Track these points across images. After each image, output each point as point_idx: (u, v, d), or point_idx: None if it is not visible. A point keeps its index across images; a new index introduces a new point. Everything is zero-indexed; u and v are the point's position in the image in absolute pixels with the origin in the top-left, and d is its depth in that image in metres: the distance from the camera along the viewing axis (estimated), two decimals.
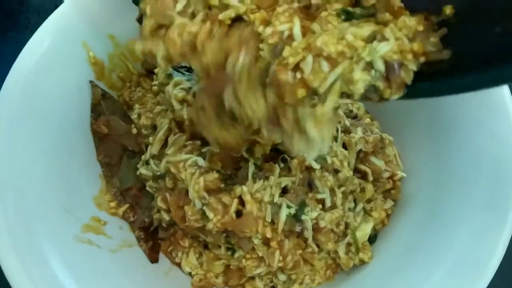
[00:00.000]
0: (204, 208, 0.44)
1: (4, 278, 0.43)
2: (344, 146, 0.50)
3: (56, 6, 0.51)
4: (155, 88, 0.53)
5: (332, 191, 0.47)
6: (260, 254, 0.46)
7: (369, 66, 0.27)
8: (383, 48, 0.27)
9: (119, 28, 0.53)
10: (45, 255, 0.44)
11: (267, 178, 0.45)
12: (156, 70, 0.52)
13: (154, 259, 0.50)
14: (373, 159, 0.51)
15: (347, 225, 0.49)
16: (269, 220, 0.44)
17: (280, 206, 0.45)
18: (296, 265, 0.48)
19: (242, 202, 0.44)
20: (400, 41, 0.27)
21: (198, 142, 0.45)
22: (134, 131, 0.50)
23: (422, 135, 0.52)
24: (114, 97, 0.54)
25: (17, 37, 0.55)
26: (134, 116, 0.51)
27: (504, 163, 0.45)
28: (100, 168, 0.53)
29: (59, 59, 0.50)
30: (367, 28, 0.27)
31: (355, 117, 0.55)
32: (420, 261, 0.46)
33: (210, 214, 0.44)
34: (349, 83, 0.27)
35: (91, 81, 0.52)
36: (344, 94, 0.28)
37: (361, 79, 0.27)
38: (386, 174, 0.51)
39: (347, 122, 0.52)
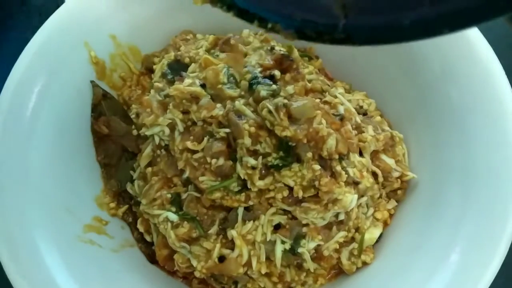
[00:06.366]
0: (189, 256, 0.45)
1: (5, 278, 0.43)
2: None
3: (58, 6, 0.51)
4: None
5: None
6: (262, 285, 0.47)
7: None
8: None
9: (120, 28, 0.53)
10: (46, 255, 0.44)
11: (257, 218, 0.45)
12: (154, 67, 0.52)
13: (153, 260, 0.50)
14: (383, 157, 0.50)
15: (357, 229, 0.48)
16: (263, 259, 0.44)
17: (274, 243, 0.45)
18: (303, 284, 0.48)
19: (231, 244, 0.45)
20: None
21: (169, 195, 0.46)
22: (135, 132, 0.50)
23: (425, 134, 0.51)
24: (115, 98, 0.54)
25: (19, 37, 0.55)
26: (132, 115, 0.51)
27: (505, 161, 0.45)
28: None
29: (60, 59, 0.50)
30: None
31: (365, 114, 0.53)
32: (422, 261, 0.45)
33: (194, 262, 0.45)
34: None
35: (92, 81, 0.52)
36: None
37: None
38: (396, 174, 0.50)
39: (358, 119, 0.50)
